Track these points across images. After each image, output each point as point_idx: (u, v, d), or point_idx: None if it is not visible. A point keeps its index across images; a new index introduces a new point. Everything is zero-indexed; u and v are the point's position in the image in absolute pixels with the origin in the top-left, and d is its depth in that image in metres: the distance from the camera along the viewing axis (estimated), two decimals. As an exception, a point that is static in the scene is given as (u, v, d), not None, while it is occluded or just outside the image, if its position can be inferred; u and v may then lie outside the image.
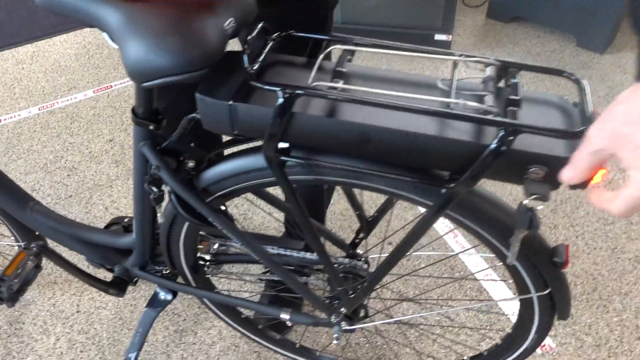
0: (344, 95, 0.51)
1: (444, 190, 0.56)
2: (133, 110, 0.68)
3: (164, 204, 0.81)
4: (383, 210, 0.88)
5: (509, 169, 0.53)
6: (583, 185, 0.49)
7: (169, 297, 1.07)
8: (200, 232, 0.92)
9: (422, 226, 0.62)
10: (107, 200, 1.65)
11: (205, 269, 1.04)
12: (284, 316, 0.90)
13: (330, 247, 1.39)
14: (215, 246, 0.98)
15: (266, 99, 0.55)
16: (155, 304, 1.08)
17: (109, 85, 2.13)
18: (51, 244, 1.13)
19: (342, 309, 0.82)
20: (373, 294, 1.33)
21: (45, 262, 1.38)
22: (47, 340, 1.29)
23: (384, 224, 1.53)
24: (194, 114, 0.62)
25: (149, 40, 0.52)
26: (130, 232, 0.97)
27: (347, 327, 0.88)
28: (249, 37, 0.55)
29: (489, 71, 0.55)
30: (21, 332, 1.31)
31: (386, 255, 0.71)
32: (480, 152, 0.51)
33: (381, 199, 1.60)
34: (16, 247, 1.16)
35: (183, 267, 0.98)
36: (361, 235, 0.92)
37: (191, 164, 0.73)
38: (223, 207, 0.85)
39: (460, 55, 0.56)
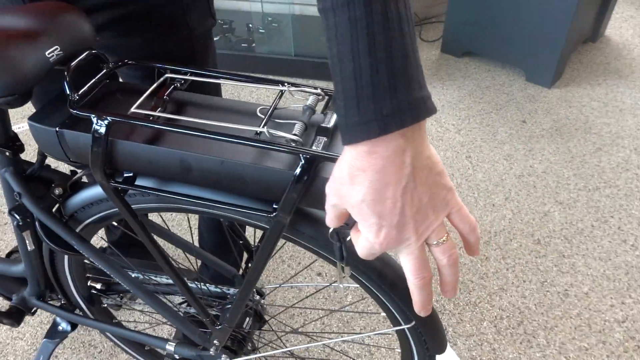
0: (155, 123, 0.52)
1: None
2: None
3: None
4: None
5: (323, 197, 0.53)
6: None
7: (68, 328, 1.04)
8: (86, 261, 0.91)
9: (263, 252, 0.62)
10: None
11: (103, 299, 1.02)
12: (169, 348, 0.88)
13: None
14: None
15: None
16: (53, 334, 1.05)
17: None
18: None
19: (215, 341, 0.80)
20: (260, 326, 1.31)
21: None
22: (-44, 372, 1.25)
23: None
24: None
25: None
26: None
27: (229, 360, 0.86)
28: (72, 64, 0.56)
29: (310, 100, 0.56)
30: None
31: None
32: (290, 180, 0.51)
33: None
34: None
35: (76, 297, 0.96)
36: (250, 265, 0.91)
37: (57, 190, 0.73)
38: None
39: (285, 85, 0.57)
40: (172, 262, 0.72)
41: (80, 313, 0.99)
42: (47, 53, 0.55)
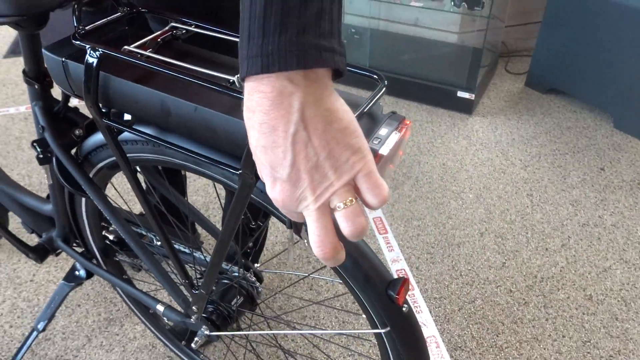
0: (140, 61, 0.53)
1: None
2: (23, 70, 0.74)
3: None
4: (265, 218, 0.86)
5: None
6: None
7: (84, 275, 1.09)
8: None
9: (232, 212, 0.61)
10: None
11: (117, 254, 1.06)
12: (159, 309, 0.89)
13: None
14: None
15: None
16: (70, 278, 1.11)
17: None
18: None
19: (194, 307, 0.79)
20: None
21: (21, 231, 1.48)
22: (-8, 299, 1.36)
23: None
24: None
25: None
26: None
27: (209, 333, 0.84)
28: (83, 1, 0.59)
29: None
30: (-25, 286, 1.40)
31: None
32: None
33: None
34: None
35: (92, 246, 1.00)
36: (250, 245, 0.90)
37: (78, 131, 0.77)
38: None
39: None
40: (161, 219, 0.73)
41: (96, 263, 1.04)
42: None
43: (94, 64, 0.54)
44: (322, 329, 1.29)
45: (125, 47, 0.55)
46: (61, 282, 1.11)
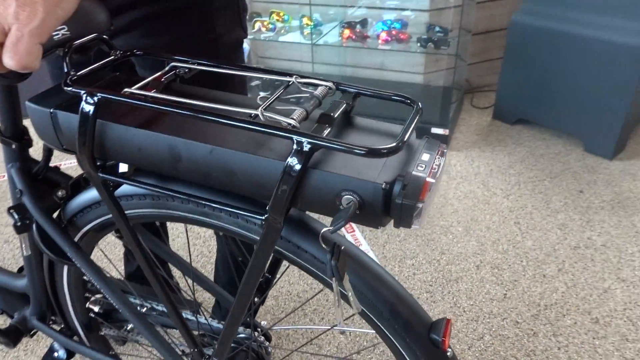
0: (145, 102, 0.48)
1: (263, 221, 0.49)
2: None
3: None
4: (273, 269, 0.80)
5: (320, 195, 0.46)
6: None
7: (64, 356, 0.98)
8: (85, 277, 0.86)
9: (253, 267, 0.55)
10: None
11: (103, 328, 0.96)
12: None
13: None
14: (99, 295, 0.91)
15: None
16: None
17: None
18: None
19: (201, 376, 0.71)
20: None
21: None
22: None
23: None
24: None
25: None
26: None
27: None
28: (74, 43, 0.54)
29: (318, 90, 0.51)
30: None
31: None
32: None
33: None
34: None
35: (74, 321, 0.91)
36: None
37: (61, 192, 0.71)
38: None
39: (294, 77, 0.53)
40: (165, 282, 0.66)
41: (78, 340, 0.94)
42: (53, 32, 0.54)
43: (91, 111, 0.49)
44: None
45: (126, 89, 0.50)
46: (38, 365, 0.99)
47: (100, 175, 0.54)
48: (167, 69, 0.57)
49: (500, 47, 2.59)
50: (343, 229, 1.52)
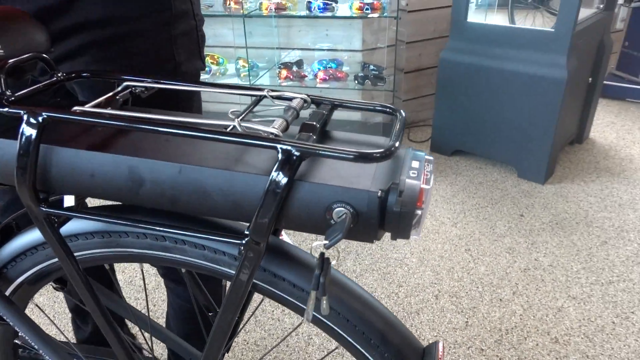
0: (101, 119, 0.41)
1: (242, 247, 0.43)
2: None
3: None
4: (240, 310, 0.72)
5: (309, 210, 0.41)
6: None
7: None
8: (17, 341, 0.73)
9: (229, 303, 0.48)
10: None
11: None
12: None
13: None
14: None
15: None
16: None
17: None
18: None
19: None
20: None
21: None
22: None
23: (253, 327, 1.31)
24: None
25: None
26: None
27: None
28: (9, 61, 0.47)
29: (294, 102, 0.47)
30: None
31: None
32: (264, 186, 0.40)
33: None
34: None
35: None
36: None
37: None
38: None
39: (266, 90, 0.48)
40: (124, 337, 0.56)
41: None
42: None
43: (34, 134, 0.42)
44: None
45: (77, 107, 0.43)
46: None
47: (44, 209, 0.45)
48: (120, 88, 0.51)
49: (430, 84, 2.71)
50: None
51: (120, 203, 0.51)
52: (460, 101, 2.27)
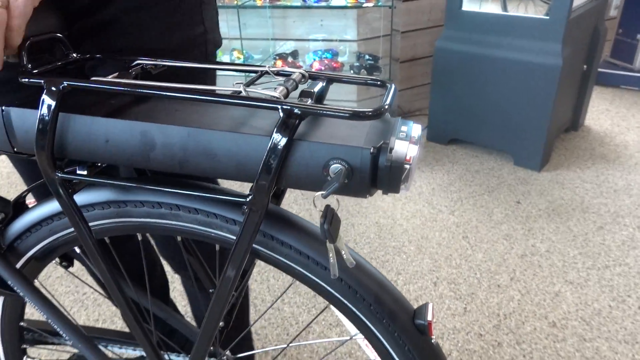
0: (117, 86, 0.44)
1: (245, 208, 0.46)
2: None
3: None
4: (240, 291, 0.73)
5: (308, 168, 0.44)
6: None
7: None
8: (22, 324, 0.73)
9: (236, 259, 0.49)
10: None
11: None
12: None
13: None
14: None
15: None
16: None
17: None
18: None
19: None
20: None
21: None
22: None
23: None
24: None
25: None
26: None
27: None
28: (31, 38, 0.49)
29: (293, 76, 0.50)
30: None
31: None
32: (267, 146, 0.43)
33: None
34: None
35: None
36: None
37: (0, 216, 0.62)
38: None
39: (268, 67, 0.52)
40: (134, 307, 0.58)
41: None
42: None
43: (54, 103, 0.44)
44: None
45: (93, 78, 0.45)
46: None
47: (60, 175, 0.48)
48: (133, 64, 0.53)
49: (425, 73, 2.71)
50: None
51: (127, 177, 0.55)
52: (456, 90, 2.27)
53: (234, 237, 0.52)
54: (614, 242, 1.70)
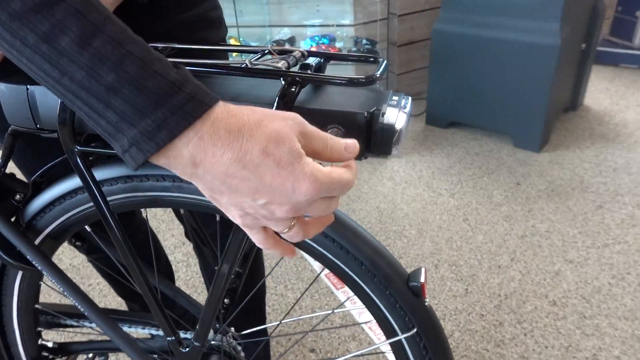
0: None
1: None
2: None
3: None
4: (243, 261, 0.75)
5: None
6: None
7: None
8: (37, 306, 0.75)
9: (236, 235, 0.51)
10: None
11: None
12: None
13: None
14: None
15: None
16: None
17: None
18: None
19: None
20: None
21: None
22: None
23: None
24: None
25: None
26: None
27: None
28: None
29: (294, 53, 0.53)
30: None
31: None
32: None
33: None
34: None
35: (20, 354, 0.79)
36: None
37: (19, 195, 0.64)
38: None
39: (270, 46, 0.55)
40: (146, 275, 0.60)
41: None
42: None
43: None
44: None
45: None
46: None
47: (79, 148, 0.51)
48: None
49: (422, 57, 2.70)
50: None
51: None
52: (454, 72, 2.26)
53: None
54: (614, 220, 1.71)
